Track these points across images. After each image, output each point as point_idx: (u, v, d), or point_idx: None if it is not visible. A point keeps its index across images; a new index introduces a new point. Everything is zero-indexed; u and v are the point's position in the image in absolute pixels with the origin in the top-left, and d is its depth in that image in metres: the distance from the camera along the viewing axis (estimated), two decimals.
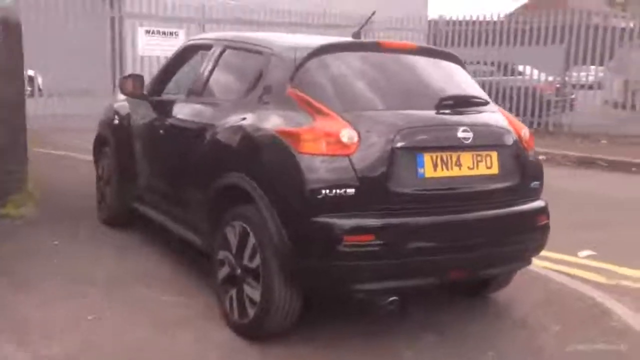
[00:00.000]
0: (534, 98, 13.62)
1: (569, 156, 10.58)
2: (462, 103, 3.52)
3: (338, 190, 3.02)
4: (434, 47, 4.69)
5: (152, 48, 13.69)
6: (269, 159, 3.32)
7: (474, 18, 14.88)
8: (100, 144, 5.57)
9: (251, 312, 3.30)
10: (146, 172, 4.80)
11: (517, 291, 4.18)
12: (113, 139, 5.26)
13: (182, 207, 4.19)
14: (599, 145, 11.75)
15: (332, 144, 3.06)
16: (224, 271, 3.54)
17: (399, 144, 3.12)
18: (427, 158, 3.19)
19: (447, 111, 3.40)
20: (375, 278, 3.11)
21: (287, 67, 3.48)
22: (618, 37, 13.16)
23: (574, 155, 10.65)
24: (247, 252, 3.32)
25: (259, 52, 3.79)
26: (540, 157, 4.04)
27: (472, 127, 3.33)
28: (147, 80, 4.97)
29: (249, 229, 3.31)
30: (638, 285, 4.63)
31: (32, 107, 10.22)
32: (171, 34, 13.89)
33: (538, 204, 3.61)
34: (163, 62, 13.18)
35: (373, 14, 4.33)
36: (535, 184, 3.62)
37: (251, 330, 3.34)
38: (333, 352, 3.30)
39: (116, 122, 5.21)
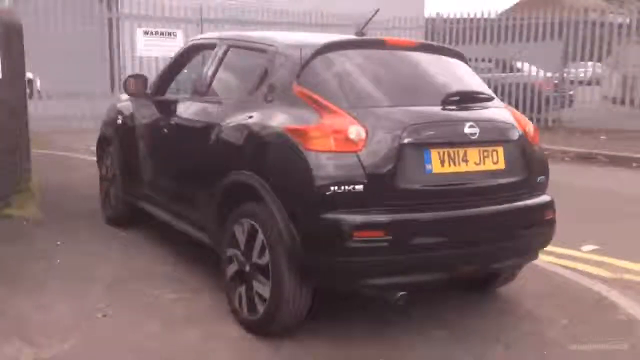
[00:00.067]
0: (532, 94, 13.66)
1: (568, 152, 10.62)
2: (468, 99, 3.55)
3: (346, 187, 3.03)
4: (438, 43, 4.70)
5: (150, 49, 13.68)
6: (276, 156, 3.33)
7: (472, 15, 14.92)
8: (103, 144, 5.59)
9: (261, 308, 3.32)
10: (151, 171, 4.82)
11: (522, 286, 4.21)
12: (117, 139, 5.28)
13: (189, 206, 4.20)
14: (598, 140, 11.78)
15: (340, 141, 3.08)
16: (232, 268, 3.56)
17: (406, 140, 3.14)
18: (434, 154, 3.20)
19: (453, 107, 3.42)
20: (384, 273, 3.13)
21: (293, 65, 3.49)
22: (616, 34, 13.19)
23: (573, 151, 10.69)
24: (256, 249, 3.34)
25: (264, 51, 3.80)
26: None
27: (478, 122, 3.35)
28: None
29: (257, 226, 3.32)
30: None
31: (31, 109, 10.19)
32: (169, 34, 13.89)
33: (544, 198, 3.63)
34: (161, 62, 13.18)
35: (376, 12, 4.32)
36: (541, 178, 3.64)
37: (261, 326, 3.35)
38: (344, 346, 3.31)
39: (120, 122, 5.23)
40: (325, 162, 3.06)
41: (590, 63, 14.06)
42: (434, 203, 3.21)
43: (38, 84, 13.14)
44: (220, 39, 4.37)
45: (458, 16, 15.28)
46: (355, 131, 3.09)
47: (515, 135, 3.54)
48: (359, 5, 11.98)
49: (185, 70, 4.84)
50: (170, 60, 4.94)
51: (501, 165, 3.41)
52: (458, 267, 3.33)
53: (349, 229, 3.00)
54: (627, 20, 13.25)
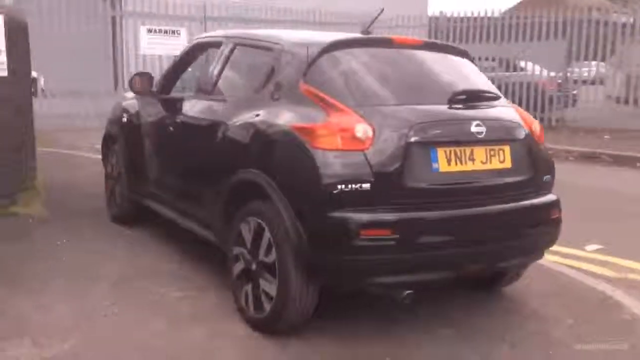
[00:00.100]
0: (536, 93, 13.64)
1: (572, 151, 10.60)
2: (474, 97, 3.55)
3: (353, 185, 3.03)
4: (444, 42, 4.70)
5: (153, 47, 13.69)
6: (283, 155, 3.33)
7: (475, 14, 14.91)
8: (109, 142, 5.60)
9: (267, 306, 3.32)
10: (156, 169, 4.82)
11: (527, 285, 4.21)
12: (122, 137, 5.29)
13: (195, 204, 4.21)
14: (602, 140, 11.76)
15: (347, 139, 3.08)
16: (238, 266, 3.56)
17: (413, 139, 3.14)
18: (441, 153, 3.21)
19: (459, 106, 3.42)
20: (391, 272, 3.13)
21: (299, 64, 3.49)
22: (620, 33, 13.17)
23: (577, 150, 10.67)
24: (263, 248, 3.35)
25: (270, 49, 3.80)
26: None
27: (484, 121, 3.35)
28: None
29: (264, 225, 3.33)
30: None
31: (36, 107, 10.19)
32: (173, 32, 13.89)
33: (550, 197, 3.63)
34: (165, 60, 13.18)
35: (382, 11, 4.33)
36: (547, 177, 3.64)
37: (268, 324, 3.36)
38: (351, 345, 3.31)
39: (125, 120, 5.23)
40: (332, 161, 3.07)
41: (594, 62, 14.04)
42: (441, 202, 3.21)
43: (42, 82, 13.17)
44: (226, 37, 4.37)
45: (462, 15, 15.28)
46: (362, 129, 3.09)
47: (521, 134, 3.54)
48: (362, 4, 12.00)
49: (191, 69, 4.85)
50: (176, 58, 4.94)
51: (508, 164, 3.41)
52: (464, 266, 3.33)
53: (356, 228, 3.00)
54: (631, 20, 13.23)
